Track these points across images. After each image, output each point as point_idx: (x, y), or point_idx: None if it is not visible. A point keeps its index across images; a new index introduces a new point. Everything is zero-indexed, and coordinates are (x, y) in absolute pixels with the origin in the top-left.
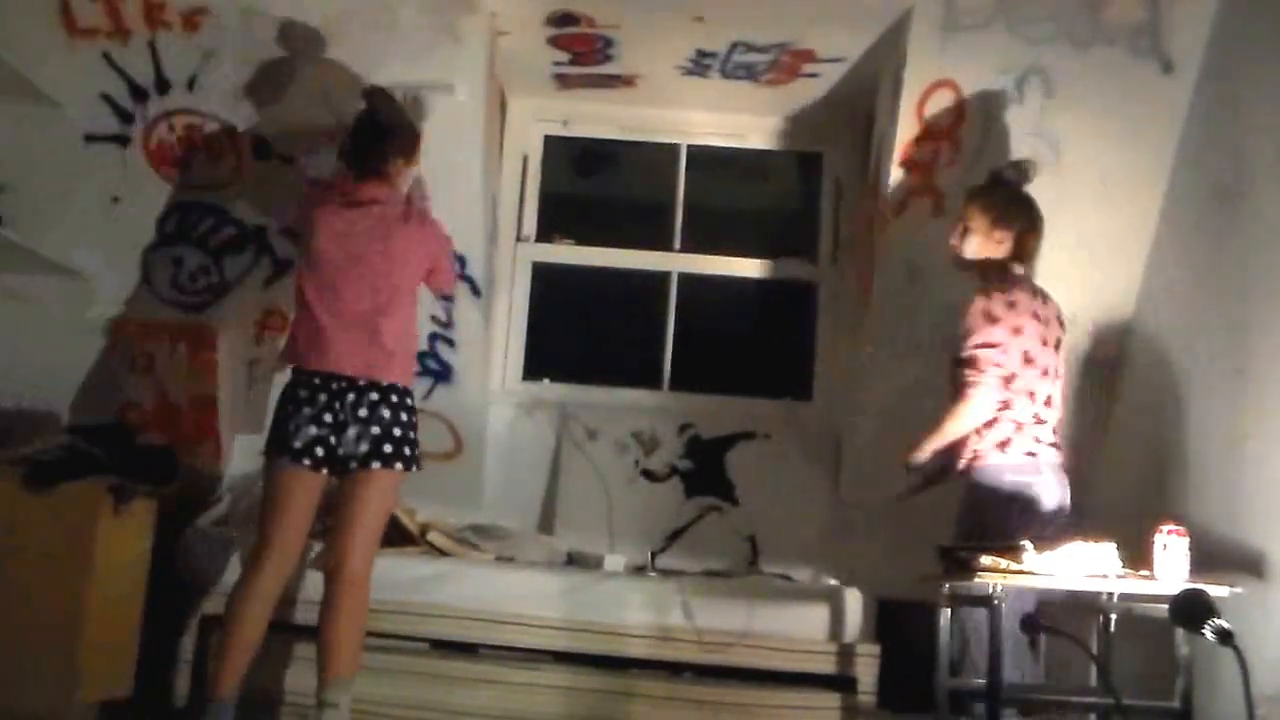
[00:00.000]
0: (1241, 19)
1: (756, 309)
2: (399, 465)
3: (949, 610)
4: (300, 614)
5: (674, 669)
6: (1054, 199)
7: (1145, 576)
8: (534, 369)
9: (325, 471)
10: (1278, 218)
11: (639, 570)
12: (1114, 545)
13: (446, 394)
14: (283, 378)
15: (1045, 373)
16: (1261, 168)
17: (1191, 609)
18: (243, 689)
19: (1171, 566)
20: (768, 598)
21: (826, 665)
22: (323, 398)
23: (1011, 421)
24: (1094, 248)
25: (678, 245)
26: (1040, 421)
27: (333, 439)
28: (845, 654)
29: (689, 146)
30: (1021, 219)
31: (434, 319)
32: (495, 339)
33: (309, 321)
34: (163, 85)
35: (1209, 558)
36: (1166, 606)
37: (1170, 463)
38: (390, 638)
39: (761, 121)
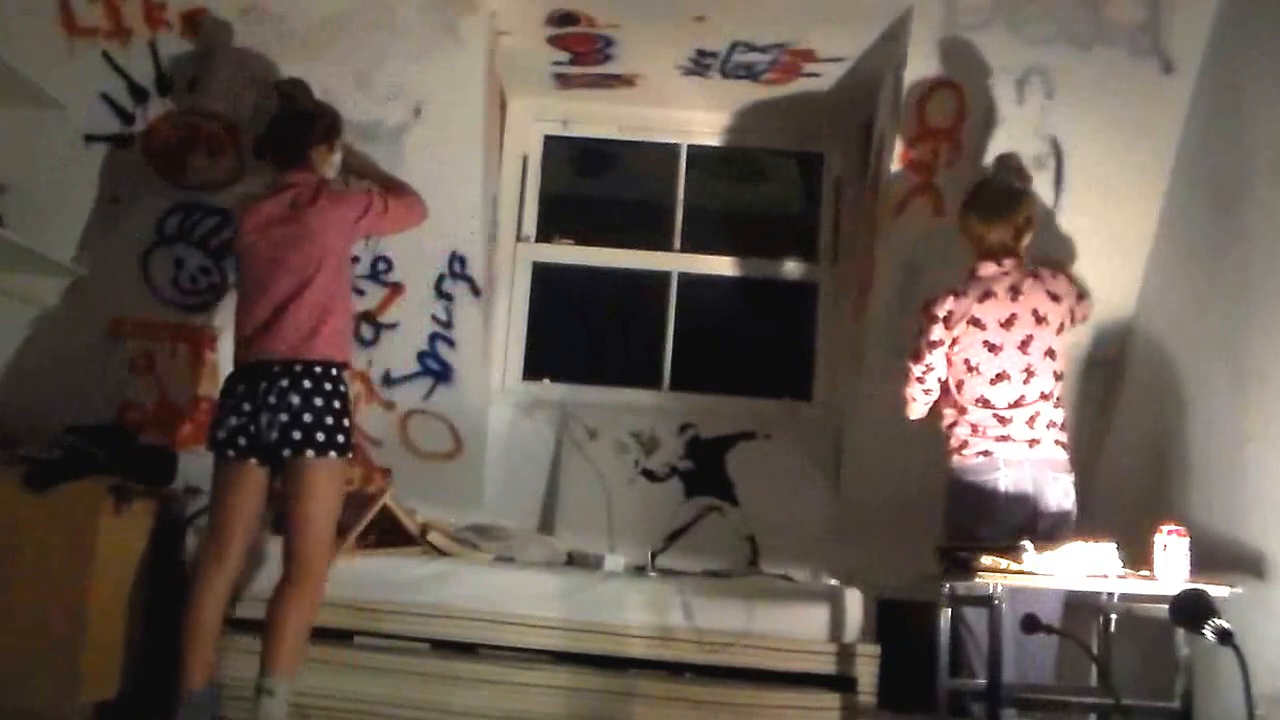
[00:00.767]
0: (1241, 19)
1: (756, 309)
2: (310, 452)
3: (949, 610)
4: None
5: (674, 669)
6: (1054, 199)
7: (1145, 576)
8: (534, 369)
9: (255, 461)
10: (1277, 218)
11: (639, 570)
12: (1114, 545)
13: (446, 394)
14: None
15: (1003, 376)
16: (1261, 168)
17: (1191, 609)
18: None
19: (1171, 566)
20: (768, 598)
21: (826, 665)
22: (241, 388)
23: (968, 424)
24: (1094, 248)
25: (678, 245)
26: (1004, 421)
27: (252, 427)
28: (845, 654)
29: (689, 146)
30: (974, 212)
31: (434, 319)
32: (495, 339)
33: (241, 317)
34: (163, 85)
35: (1209, 558)
36: (1166, 606)
37: (1170, 463)
38: (390, 638)
39: (761, 121)
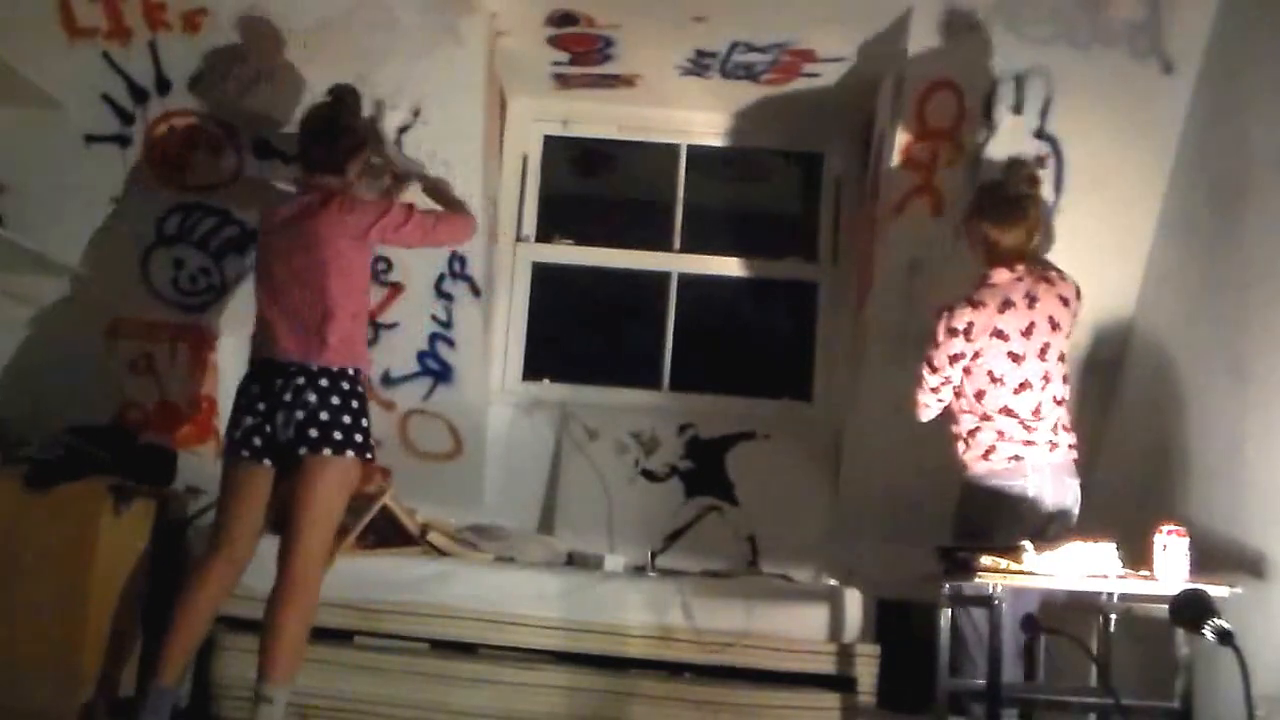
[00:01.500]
0: (1241, 19)
1: (756, 309)
2: (327, 450)
3: (949, 610)
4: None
5: (674, 669)
6: (1054, 199)
7: (1145, 576)
8: (534, 369)
9: (268, 462)
10: (1277, 218)
11: (639, 570)
12: (1114, 545)
13: (446, 394)
14: None
15: (1026, 385)
16: (1261, 168)
17: (1191, 609)
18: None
19: (1171, 567)
20: (767, 598)
21: (826, 665)
22: (256, 387)
23: (994, 430)
24: (1094, 248)
25: (678, 245)
26: (1029, 428)
27: (267, 427)
28: (845, 654)
29: (689, 146)
30: (987, 217)
31: (434, 319)
32: (495, 339)
33: (258, 313)
34: (163, 85)
35: (1209, 558)
36: (1166, 606)
37: (1170, 463)
38: (390, 638)
39: (761, 121)
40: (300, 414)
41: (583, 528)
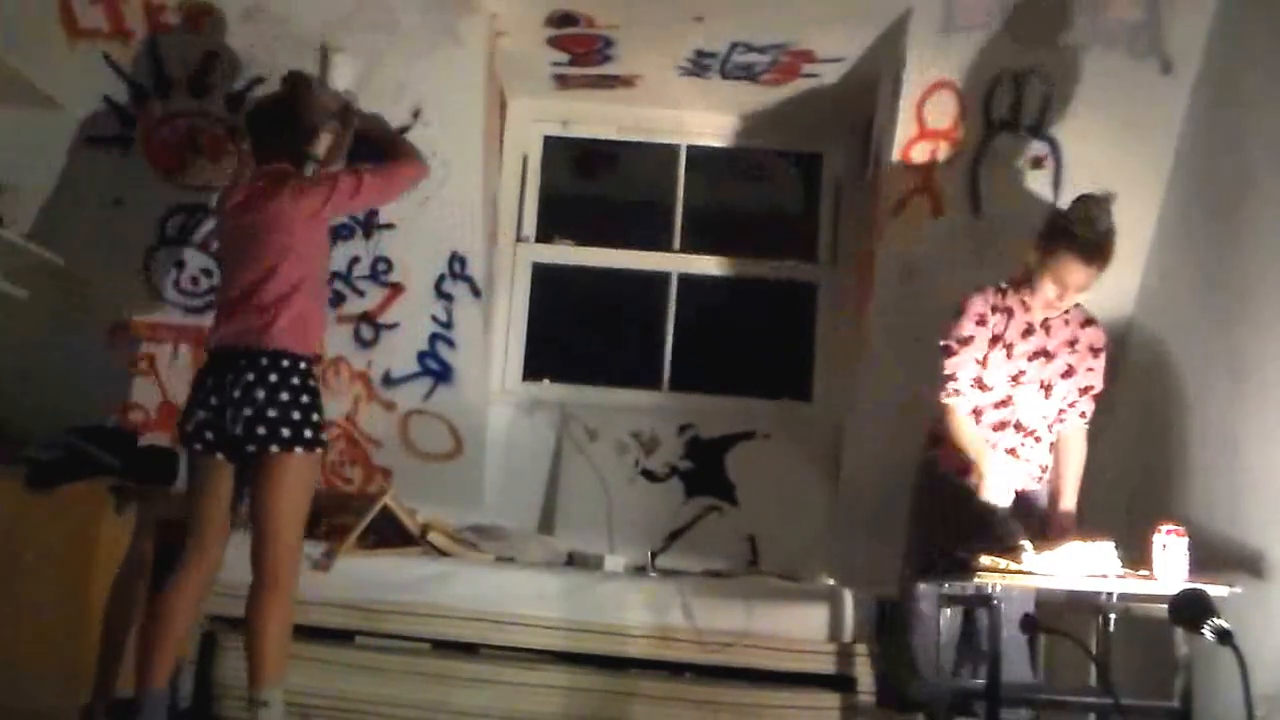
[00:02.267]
0: (1241, 19)
1: (756, 309)
2: (274, 447)
3: (948, 610)
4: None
5: (674, 669)
6: (1054, 199)
7: (1145, 576)
8: (534, 369)
9: (221, 456)
10: (1277, 218)
11: (639, 570)
12: (1113, 545)
13: (446, 394)
14: None
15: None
16: (1260, 168)
17: (1191, 609)
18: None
19: (1171, 566)
20: (767, 598)
21: (826, 665)
22: (210, 381)
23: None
24: None
25: (678, 245)
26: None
27: (219, 421)
28: (844, 654)
29: (689, 146)
30: (1073, 248)
31: (434, 319)
32: (495, 339)
33: (217, 299)
34: (163, 86)
35: (1208, 558)
36: (1166, 606)
37: (1170, 463)
38: (390, 638)
39: (761, 122)
40: (249, 410)
41: (583, 528)
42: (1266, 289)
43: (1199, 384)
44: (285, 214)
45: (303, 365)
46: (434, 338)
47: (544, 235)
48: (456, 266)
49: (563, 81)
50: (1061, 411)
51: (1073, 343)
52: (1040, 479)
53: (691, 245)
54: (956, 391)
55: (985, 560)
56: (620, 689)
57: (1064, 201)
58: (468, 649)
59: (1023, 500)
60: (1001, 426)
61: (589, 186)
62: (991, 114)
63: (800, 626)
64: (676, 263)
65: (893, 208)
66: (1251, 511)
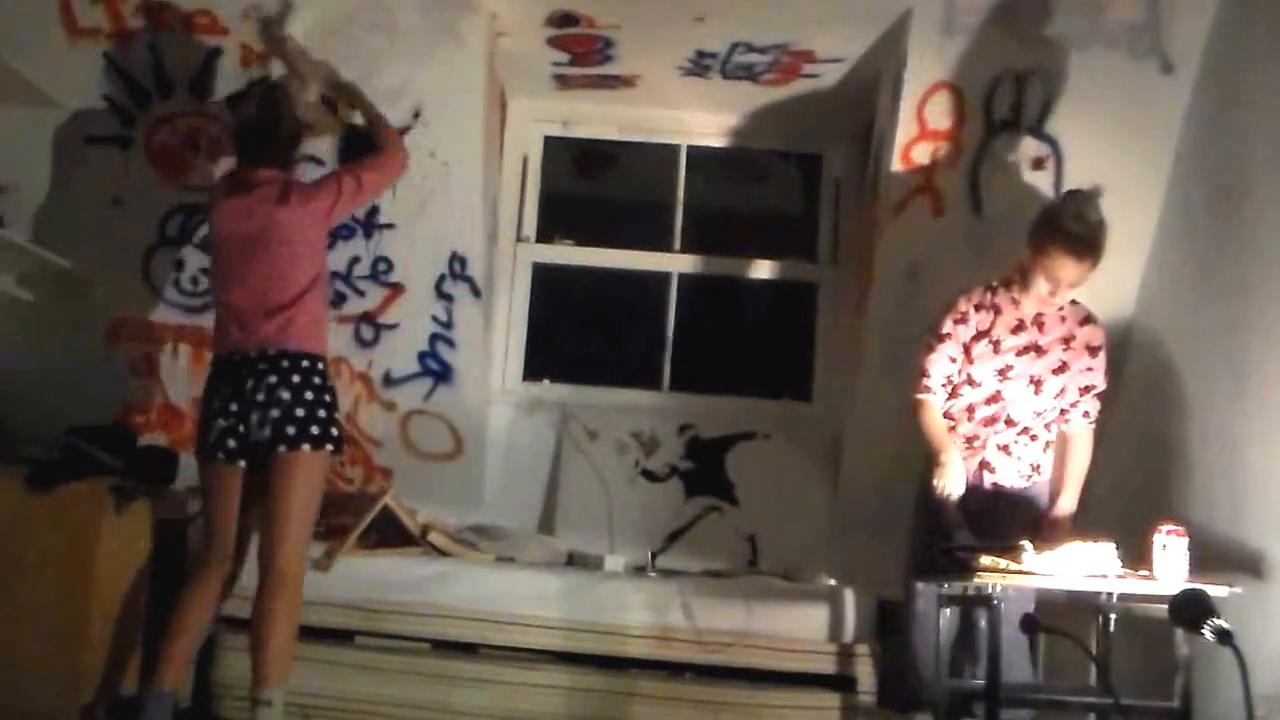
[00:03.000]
0: (1241, 19)
1: (756, 309)
2: (306, 446)
3: (948, 610)
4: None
5: (674, 669)
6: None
7: (1145, 576)
8: (534, 369)
9: (242, 462)
10: (1277, 218)
11: (639, 570)
12: (1113, 545)
13: (446, 394)
14: None
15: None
16: (1261, 168)
17: (1191, 609)
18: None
19: (1171, 566)
20: (767, 598)
21: (826, 665)
22: (228, 388)
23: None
24: None
25: (678, 245)
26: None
27: (240, 427)
28: (845, 654)
29: (689, 146)
30: (1063, 244)
31: (434, 319)
32: (495, 339)
33: (219, 309)
34: (164, 86)
35: (1208, 557)
36: (1166, 606)
37: (1170, 463)
38: (390, 638)
39: (761, 122)
40: (275, 412)
41: (583, 528)
42: (1267, 289)
43: (1199, 384)
44: (295, 220)
45: (320, 365)
46: (434, 338)
47: (544, 235)
48: (457, 266)
49: (563, 81)
50: (1064, 412)
51: (1068, 339)
52: (1030, 477)
53: (691, 245)
54: (927, 388)
55: (985, 560)
56: (620, 689)
57: None
58: (468, 649)
59: (1015, 499)
60: (991, 421)
61: (589, 186)
62: (992, 114)
63: (800, 626)
64: (676, 263)
65: (893, 208)
66: (1251, 511)
